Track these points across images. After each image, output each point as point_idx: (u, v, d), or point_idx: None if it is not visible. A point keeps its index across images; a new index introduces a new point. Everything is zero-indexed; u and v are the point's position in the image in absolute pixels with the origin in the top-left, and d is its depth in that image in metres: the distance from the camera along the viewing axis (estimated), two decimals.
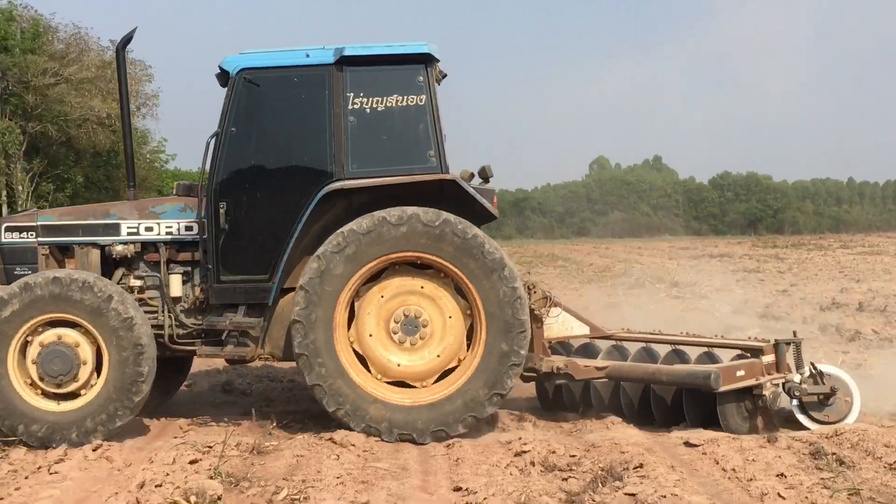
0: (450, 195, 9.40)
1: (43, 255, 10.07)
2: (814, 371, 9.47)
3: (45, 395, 9.29)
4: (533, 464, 8.06)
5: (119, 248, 9.95)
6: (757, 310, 19.56)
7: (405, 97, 9.40)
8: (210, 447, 8.70)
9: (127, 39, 10.42)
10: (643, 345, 10.53)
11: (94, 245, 10.04)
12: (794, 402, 9.43)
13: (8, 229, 10.13)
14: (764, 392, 9.31)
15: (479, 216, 9.59)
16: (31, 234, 10.12)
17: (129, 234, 10.00)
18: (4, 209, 45.30)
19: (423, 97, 9.38)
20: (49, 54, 46.80)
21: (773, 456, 8.15)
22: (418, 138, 9.40)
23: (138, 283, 9.99)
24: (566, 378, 10.04)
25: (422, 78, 9.40)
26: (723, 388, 9.08)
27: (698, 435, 9.06)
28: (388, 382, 9.36)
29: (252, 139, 9.61)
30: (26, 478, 7.97)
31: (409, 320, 9.32)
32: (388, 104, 9.40)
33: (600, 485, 7.38)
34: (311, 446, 8.72)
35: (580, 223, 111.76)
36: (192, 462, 8.13)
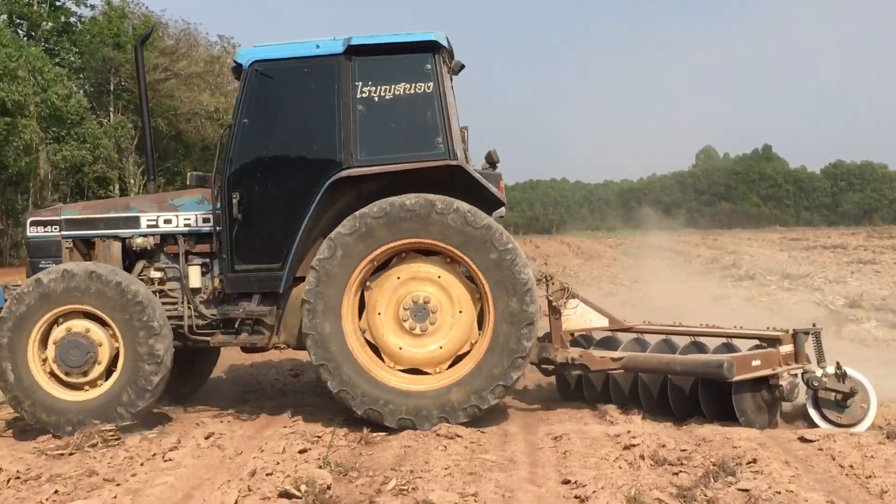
0: (458, 182, 9.41)
1: (67, 248, 10.36)
2: (838, 370, 9.21)
3: (66, 385, 9.56)
4: (643, 457, 7.92)
5: (139, 240, 10.17)
6: (874, 302, 18.95)
7: (413, 85, 9.42)
8: (318, 437, 8.80)
9: (145, 37, 10.88)
10: (663, 337, 10.32)
11: (116, 238, 10.28)
12: (809, 395, 9.23)
13: (33, 224, 10.46)
14: (780, 382, 9.05)
15: (488, 202, 9.61)
16: (55, 228, 10.41)
17: (148, 226, 10.21)
18: None
19: (431, 84, 9.37)
20: (160, 50, 47.90)
21: (893, 453, 7.88)
22: (426, 125, 9.38)
23: (158, 274, 10.18)
24: (582, 369, 9.98)
25: (429, 65, 9.40)
26: (737, 378, 8.89)
27: (814, 431, 8.83)
28: (402, 369, 9.40)
29: (264, 130, 9.69)
30: (142, 464, 8.14)
31: (419, 307, 9.34)
32: (396, 92, 9.43)
33: (712, 480, 7.21)
34: (418, 437, 8.72)
35: (687, 214, 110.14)
36: (302, 451, 8.21)
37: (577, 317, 10.20)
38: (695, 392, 9.47)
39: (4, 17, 47.68)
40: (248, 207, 9.62)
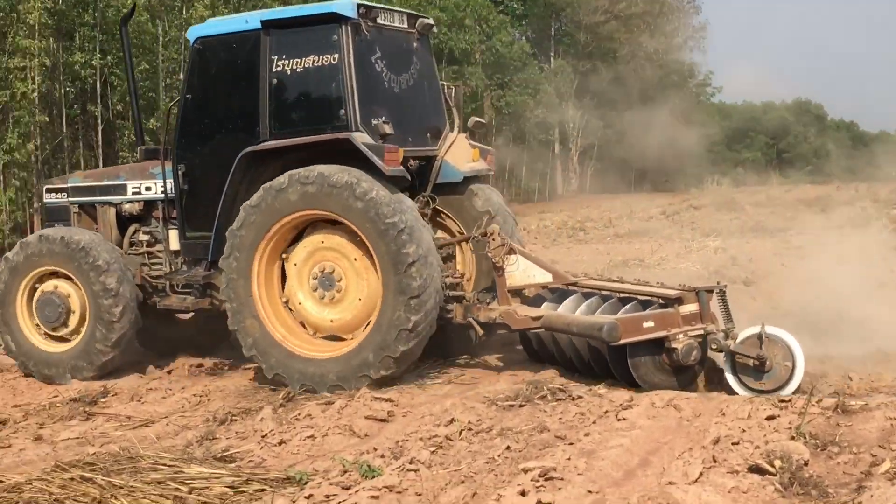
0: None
1: (75, 213, 11.15)
2: (760, 333, 8.52)
3: (58, 339, 10.41)
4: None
5: (127, 206, 10.82)
6: None
7: (321, 57, 9.39)
8: (787, 401, 7.79)
9: (128, 16, 11.66)
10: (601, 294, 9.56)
11: (110, 204, 10.94)
12: (726, 360, 8.68)
13: (48, 191, 11.50)
14: (674, 345, 8.57)
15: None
16: (64, 195, 11.26)
17: (133, 193, 10.80)
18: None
19: (337, 56, 9.31)
20: None
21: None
22: (331, 98, 9.41)
23: (146, 237, 10.80)
24: (504, 328, 9.65)
25: (335, 37, 9.32)
26: (625, 341, 8.54)
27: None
28: (324, 336, 9.55)
29: (203, 104, 10.07)
30: (594, 422, 7.63)
31: (325, 276, 9.42)
32: (307, 65, 9.47)
33: None
34: None
35: None
36: (770, 418, 7.28)
37: (520, 273, 9.66)
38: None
39: None
40: (192, 178, 10.09)
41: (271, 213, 9.26)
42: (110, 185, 11.04)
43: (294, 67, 9.54)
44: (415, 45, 10.38)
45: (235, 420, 8.24)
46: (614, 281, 9.89)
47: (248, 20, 9.88)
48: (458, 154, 10.46)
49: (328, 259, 9.45)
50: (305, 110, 9.66)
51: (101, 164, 28.88)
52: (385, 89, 9.83)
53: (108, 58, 29.78)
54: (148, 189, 10.71)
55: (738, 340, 8.64)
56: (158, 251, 10.73)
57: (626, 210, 38.47)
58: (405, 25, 10.19)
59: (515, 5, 52.43)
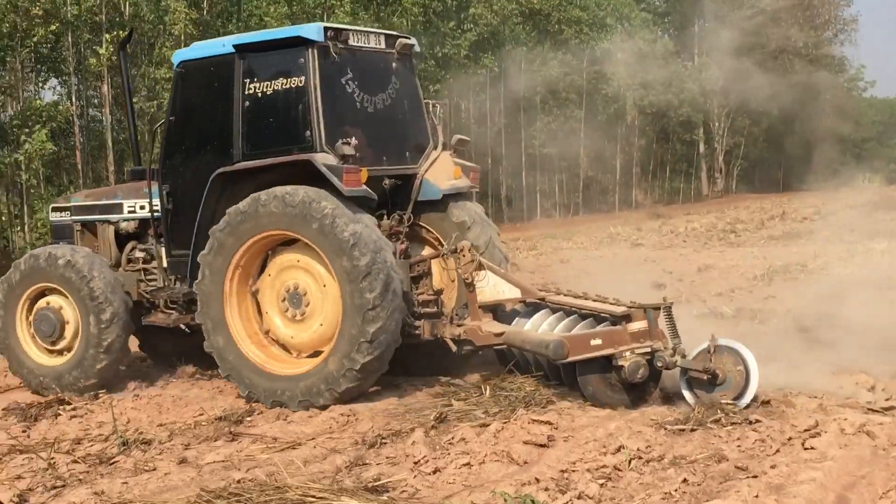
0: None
1: (77, 231, 11.48)
2: (708, 347, 8.46)
3: (57, 353, 10.59)
4: None
5: (123, 224, 11.12)
6: None
7: (289, 79, 9.59)
8: None
9: (125, 40, 11.98)
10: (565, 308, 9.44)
11: (108, 222, 11.22)
12: (681, 376, 8.59)
13: (53, 210, 11.93)
14: (621, 363, 8.48)
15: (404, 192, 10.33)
16: (67, 214, 11.61)
17: (128, 212, 11.07)
18: None
19: (303, 78, 9.49)
20: None
21: None
22: (298, 119, 9.54)
23: (142, 254, 11.02)
24: (468, 344, 9.52)
25: (302, 59, 9.52)
26: (574, 358, 8.59)
27: None
28: (309, 355, 9.62)
29: (185, 126, 10.30)
30: (776, 451, 6.92)
31: (292, 294, 9.51)
32: (276, 87, 9.68)
33: None
34: None
35: None
36: None
37: (490, 288, 9.60)
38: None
39: None
40: (175, 198, 10.33)
41: (237, 235, 9.45)
42: (108, 205, 11.37)
43: (264, 90, 9.77)
44: (394, 65, 10.50)
45: (385, 443, 7.77)
46: (578, 297, 9.53)
47: (224, 44, 10.14)
48: (439, 172, 10.55)
49: (295, 278, 9.55)
50: (275, 132, 9.78)
51: None
52: (356, 109, 9.99)
53: None
54: (142, 208, 10.93)
55: (689, 356, 8.54)
56: (153, 268, 10.93)
57: (778, 210, 37.00)
58: (382, 46, 10.35)
59: (658, 2, 51.31)
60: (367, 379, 9.24)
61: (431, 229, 10.58)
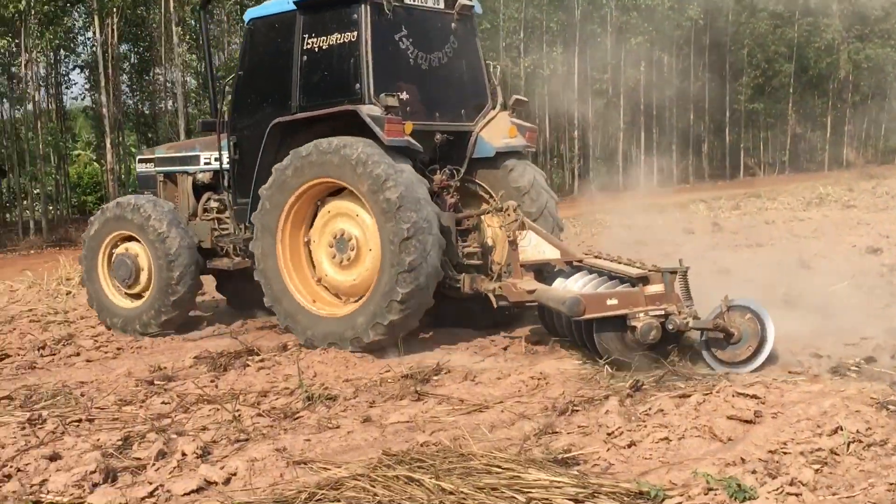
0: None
1: (161, 182, 12.29)
2: (720, 306, 8.47)
3: (136, 297, 11.46)
4: None
5: (199, 175, 11.87)
6: None
7: (343, 35, 10.01)
8: None
9: (205, 1, 12.28)
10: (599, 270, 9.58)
11: (186, 173, 11.99)
12: (701, 337, 8.66)
13: (139, 161, 12.85)
14: (634, 324, 8.58)
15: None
16: (151, 165, 12.45)
17: (205, 163, 11.77)
18: None
19: (356, 34, 9.90)
20: None
21: None
22: (349, 73, 9.97)
23: (216, 204, 11.70)
24: (502, 300, 9.89)
25: (355, 16, 9.92)
26: (589, 316, 8.69)
27: None
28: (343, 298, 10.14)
29: (252, 80, 10.87)
30: None
31: (340, 240, 9.97)
32: (331, 42, 10.12)
33: None
34: None
35: None
36: None
37: (532, 248, 9.97)
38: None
39: None
40: (241, 150, 10.91)
41: (297, 175, 9.88)
42: (187, 157, 12.10)
43: (321, 45, 10.21)
44: (452, 25, 10.84)
45: (577, 411, 7.30)
46: (613, 260, 9.75)
47: (288, 1, 10.49)
48: (495, 130, 10.85)
49: (345, 225, 9.96)
50: (329, 84, 10.19)
51: None
52: (409, 66, 10.35)
53: None
54: (216, 160, 11.40)
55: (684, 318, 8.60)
56: (226, 217, 11.51)
57: None
58: (441, 6, 10.71)
59: None
60: (395, 335, 9.60)
61: (486, 186, 10.87)
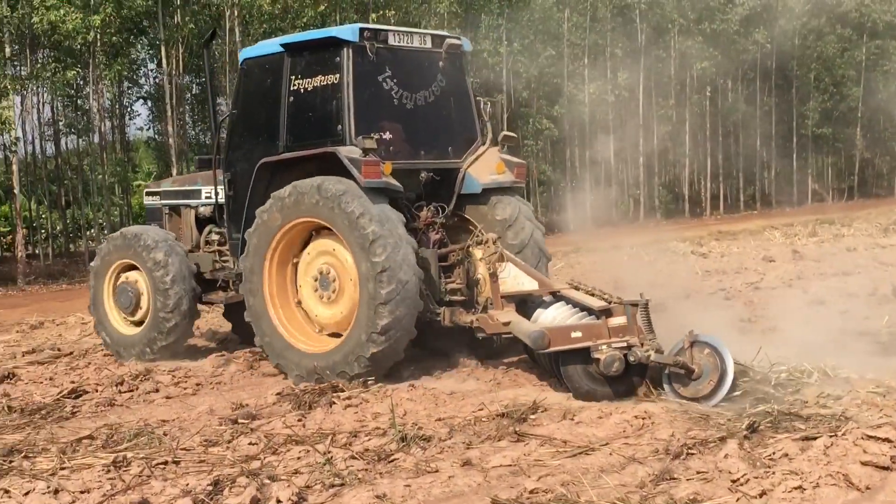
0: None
1: (166, 214, 12.62)
2: (683, 341, 8.55)
3: (137, 324, 11.77)
4: None
5: (201, 209, 12.13)
6: None
7: (326, 76, 10.25)
8: None
9: (209, 39, 12.16)
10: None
11: (189, 206, 12.30)
12: (663, 372, 8.67)
13: (147, 194, 13.14)
14: (598, 356, 8.62)
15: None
16: (158, 198, 12.81)
17: (206, 197, 11.99)
18: None
19: (338, 76, 10.14)
20: None
21: None
22: (332, 114, 10.19)
23: (216, 237, 12.02)
24: (479, 332, 9.94)
25: (338, 58, 10.15)
26: (555, 349, 8.85)
27: None
28: (330, 334, 10.33)
29: (245, 119, 11.18)
30: None
31: (323, 277, 10.20)
32: (315, 84, 10.34)
33: None
34: None
35: None
36: None
37: (511, 279, 10.10)
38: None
39: None
40: (234, 187, 11.13)
41: (279, 217, 10.14)
42: (189, 190, 12.37)
43: (306, 86, 10.42)
44: (440, 63, 10.93)
45: (692, 454, 6.80)
46: (588, 292, 9.69)
47: (277, 43, 10.92)
48: (483, 167, 10.96)
49: (327, 262, 10.16)
50: (313, 125, 10.42)
51: None
52: (393, 106, 10.53)
53: (515, 45, 29.56)
54: (217, 194, 11.64)
55: (666, 352, 8.64)
56: (226, 250, 11.72)
57: None
58: (428, 46, 10.83)
59: None
60: (380, 368, 9.73)
61: (474, 221, 10.92)
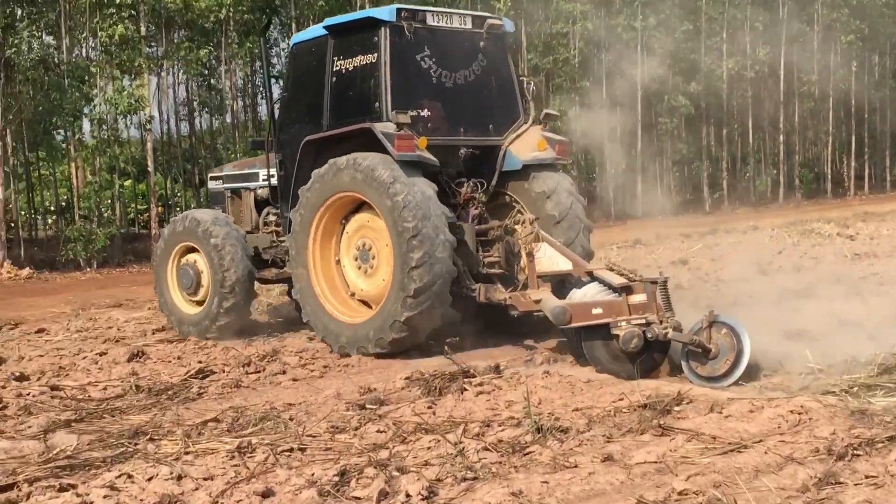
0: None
1: (228, 197, 13.09)
2: (702, 321, 8.59)
3: (199, 303, 12.23)
4: None
5: (259, 191, 12.56)
6: None
7: (365, 56, 10.71)
8: None
9: (265, 28, 11.72)
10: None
11: (248, 189, 12.73)
12: (681, 349, 8.76)
13: (211, 178, 13.77)
14: (617, 332, 8.82)
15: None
16: (220, 182, 13.35)
17: (263, 180, 12.44)
18: None
19: (375, 56, 10.57)
20: None
21: None
22: (370, 93, 10.64)
23: (274, 217, 12.37)
24: (512, 309, 10.10)
25: (375, 39, 10.57)
26: (575, 325, 9.12)
27: None
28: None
29: (295, 101, 11.73)
30: None
31: (362, 251, 10.66)
32: (355, 64, 10.83)
33: None
34: None
35: None
36: None
37: (546, 260, 10.23)
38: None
39: None
40: (285, 167, 11.65)
41: (320, 193, 10.57)
42: (249, 174, 12.81)
43: (347, 67, 10.87)
44: (481, 43, 11.24)
45: (858, 455, 6.18)
46: (619, 272, 9.70)
47: (321, 27, 11.33)
48: (524, 144, 11.23)
49: (368, 236, 10.58)
50: (353, 104, 10.81)
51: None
52: (432, 84, 10.87)
53: (651, 20, 28.67)
54: (272, 176, 12.10)
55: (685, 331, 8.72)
56: (283, 230, 12.00)
57: None
58: (468, 26, 11.14)
59: None
60: (414, 334, 10.15)
61: (516, 198, 11.24)
